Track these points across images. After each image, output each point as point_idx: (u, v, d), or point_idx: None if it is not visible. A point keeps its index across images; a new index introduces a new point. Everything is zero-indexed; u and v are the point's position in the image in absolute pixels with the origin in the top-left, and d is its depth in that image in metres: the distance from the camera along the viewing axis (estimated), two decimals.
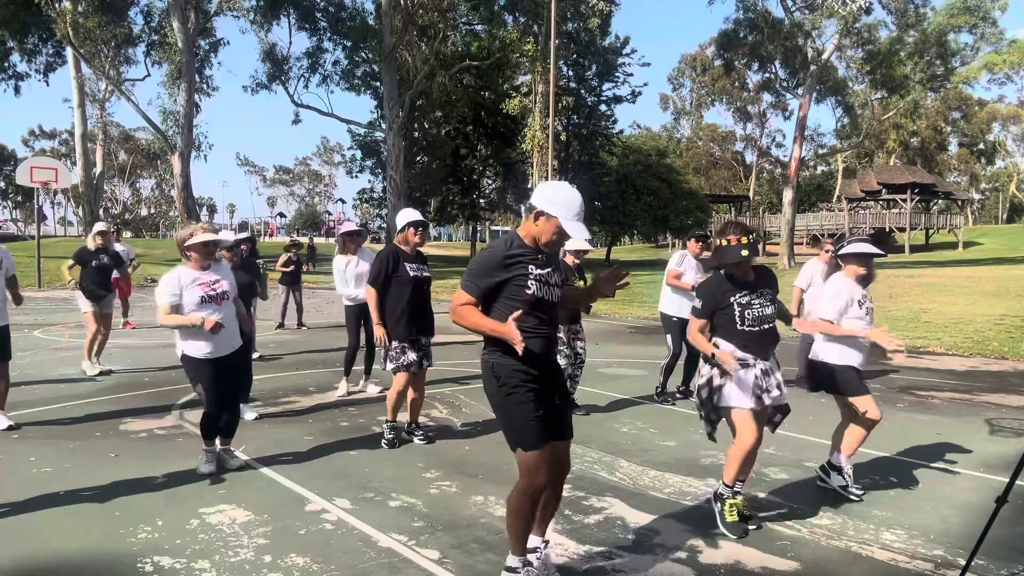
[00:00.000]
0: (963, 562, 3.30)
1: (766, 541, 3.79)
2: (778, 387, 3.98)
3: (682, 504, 4.32)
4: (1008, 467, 4.60)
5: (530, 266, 3.10)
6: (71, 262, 8.71)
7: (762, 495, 4.47)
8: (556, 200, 3.06)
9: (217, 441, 4.97)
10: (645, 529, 3.96)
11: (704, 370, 4.06)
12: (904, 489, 4.63)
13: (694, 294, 4.19)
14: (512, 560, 3.21)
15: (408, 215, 5.60)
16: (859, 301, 4.51)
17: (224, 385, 4.75)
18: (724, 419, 4.01)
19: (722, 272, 4.01)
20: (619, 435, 5.93)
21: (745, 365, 3.91)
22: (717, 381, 3.94)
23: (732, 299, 3.92)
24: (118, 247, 10.38)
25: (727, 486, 4.00)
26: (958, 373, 9.09)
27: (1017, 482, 3.12)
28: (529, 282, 3.09)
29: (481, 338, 3.20)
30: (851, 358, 4.49)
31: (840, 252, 4.73)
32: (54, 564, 3.50)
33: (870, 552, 3.68)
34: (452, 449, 5.51)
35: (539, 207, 3.09)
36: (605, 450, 5.45)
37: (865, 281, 4.63)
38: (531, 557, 3.25)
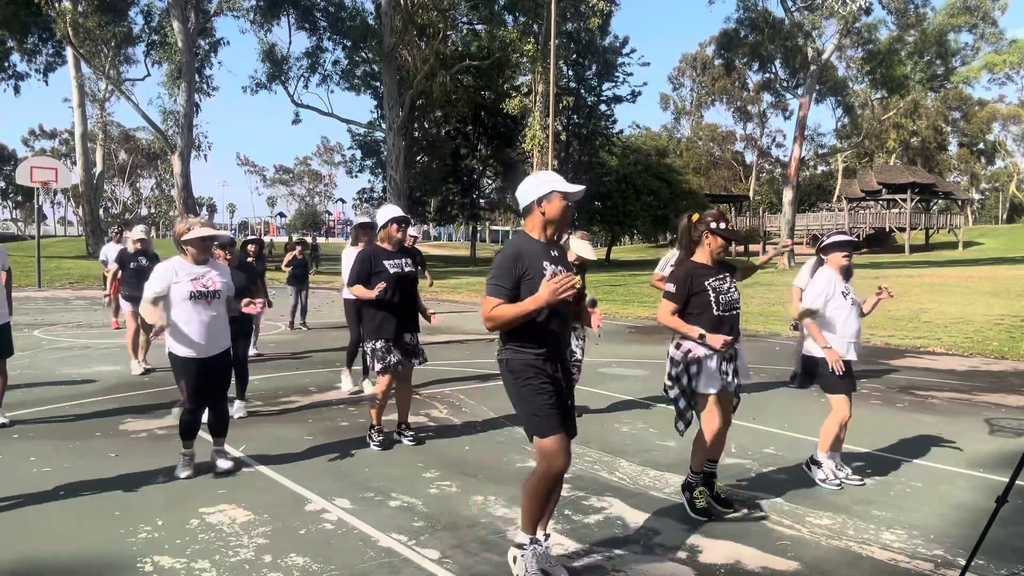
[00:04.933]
0: (963, 562, 3.30)
1: (766, 541, 3.79)
2: (736, 372, 4.08)
3: (682, 504, 4.31)
4: (1008, 467, 4.59)
5: (544, 261, 3.22)
6: (114, 266, 8.81)
7: (763, 495, 4.48)
8: (540, 181, 3.28)
9: (211, 440, 4.97)
10: (645, 529, 3.96)
11: (672, 362, 4.09)
12: (904, 489, 4.63)
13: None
14: (521, 537, 3.32)
15: (389, 211, 5.59)
16: (843, 292, 4.67)
17: (206, 384, 4.70)
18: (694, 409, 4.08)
19: (693, 259, 4.10)
20: (619, 435, 5.93)
21: (714, 350, 3.98)
22: (692, 368, 3.99)
23: (706, 283, 3.98)
24: (118, 247, 10.35)
25: (695, 473, 4.11)
26: (958, 373, 9.09)
27: (1017, 482, 3.12)
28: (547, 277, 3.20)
29: (492, 337, 3.22)
30: (838, 350, 4.57)
31: (821, 245, 4.88)
32: (54, 564, 3.50)
33: (870, 552, 3.68)
34: (452, 449, 5.50)
35: (533, 198, 3.27)
36: (605, 450, 5.45)
37: (846, 274, 4.78)
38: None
